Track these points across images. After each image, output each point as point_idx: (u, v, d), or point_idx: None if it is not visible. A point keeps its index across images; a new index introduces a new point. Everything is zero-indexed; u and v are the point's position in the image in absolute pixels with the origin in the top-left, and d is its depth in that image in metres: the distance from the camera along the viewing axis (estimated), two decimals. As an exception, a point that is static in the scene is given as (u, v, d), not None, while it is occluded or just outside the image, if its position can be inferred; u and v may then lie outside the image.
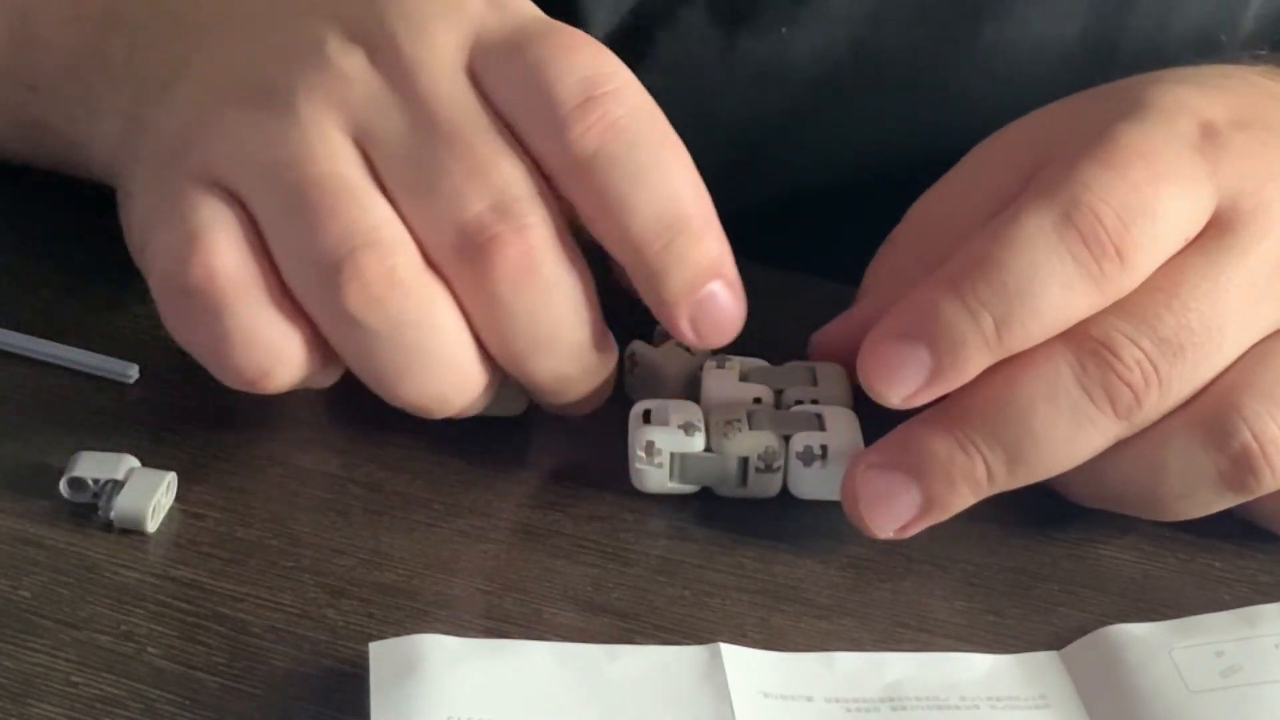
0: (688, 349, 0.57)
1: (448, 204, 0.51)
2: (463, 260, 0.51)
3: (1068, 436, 0.51)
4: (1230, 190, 0.52)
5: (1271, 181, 0.52)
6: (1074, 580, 0.53)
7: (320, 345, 0.52)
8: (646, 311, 0.54)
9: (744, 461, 0.54)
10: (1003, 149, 0.57)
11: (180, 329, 0.53)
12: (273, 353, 0.52)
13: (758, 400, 0.56)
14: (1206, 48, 0.65)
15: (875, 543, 0.53)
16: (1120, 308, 0.51)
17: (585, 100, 0.51)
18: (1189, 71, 0.56)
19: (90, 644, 0.49)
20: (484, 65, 0.53)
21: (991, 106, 0.61)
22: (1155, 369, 0.50)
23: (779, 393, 0.56)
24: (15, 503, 0.53)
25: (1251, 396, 0.51)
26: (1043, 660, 0.50)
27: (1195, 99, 0.54)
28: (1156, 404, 0.51)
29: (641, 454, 0.54)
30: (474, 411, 0.54)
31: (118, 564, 0.52)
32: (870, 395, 0.52)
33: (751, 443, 0.54)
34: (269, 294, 0.51)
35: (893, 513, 0.52)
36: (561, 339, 0.52)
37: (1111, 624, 0.51)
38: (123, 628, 0.50)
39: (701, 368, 0.57)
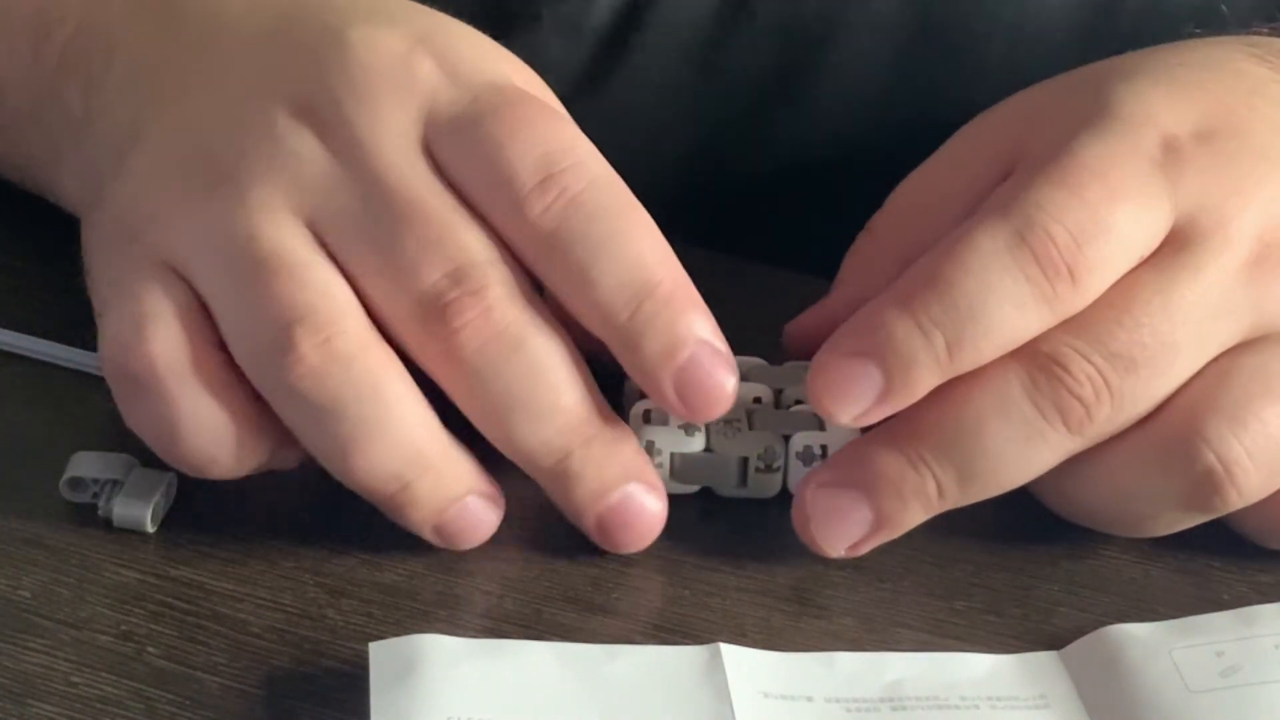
0: None
1: (404, 275, 0.50)
2: (424, 329, 0.50)
3: (1018, 452, 0.50)
4: (1189, 207, 0.52)
5: (1233, 197, 0.52)
6: (1074, 580, 0.53)
7: (271, 428, 0.51)
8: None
9: (744, 461, 0.54)
10: (981, 138, 0.57)
11: (128, 415, 0.52)
12: (216, 439, 0.51)
13: (758, 400, 0.56)
14: (1207, 16, 0.64)
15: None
16: (1072, 324, 0.50)
17: (544, 178, 0.51)
18: (1172, 59, 0.56)
19: (90, 644, 0.49)
20: (438, 140, 0.52)
21: (996, 71, 0.60)
22: (1106, 383, 0.50)
23: (779, 392, 0.56)
24: (15, 503, 0.53)
25: (1214, 418, 0.50)
26: (1043, 660, 0.50)
27: (1163, 108, 0.53)
28: (1109, 418, 0.50)
29: None
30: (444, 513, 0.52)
31: (118, 564, 0.52)
32: (819, 413, 0.52)
33: (751, 442, 0.54)
34: (213, 380, 0.51)
35: (843, 531, 0.52)
36: (540, 401, 0.51)
37: (1111, 624, 0.51)
38: (123, 628, 0.50)
39: None
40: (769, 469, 0.54)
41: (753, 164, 0.71)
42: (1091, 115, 0.53)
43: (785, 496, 0.55)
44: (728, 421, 0.55)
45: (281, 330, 0.50)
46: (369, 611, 0.51)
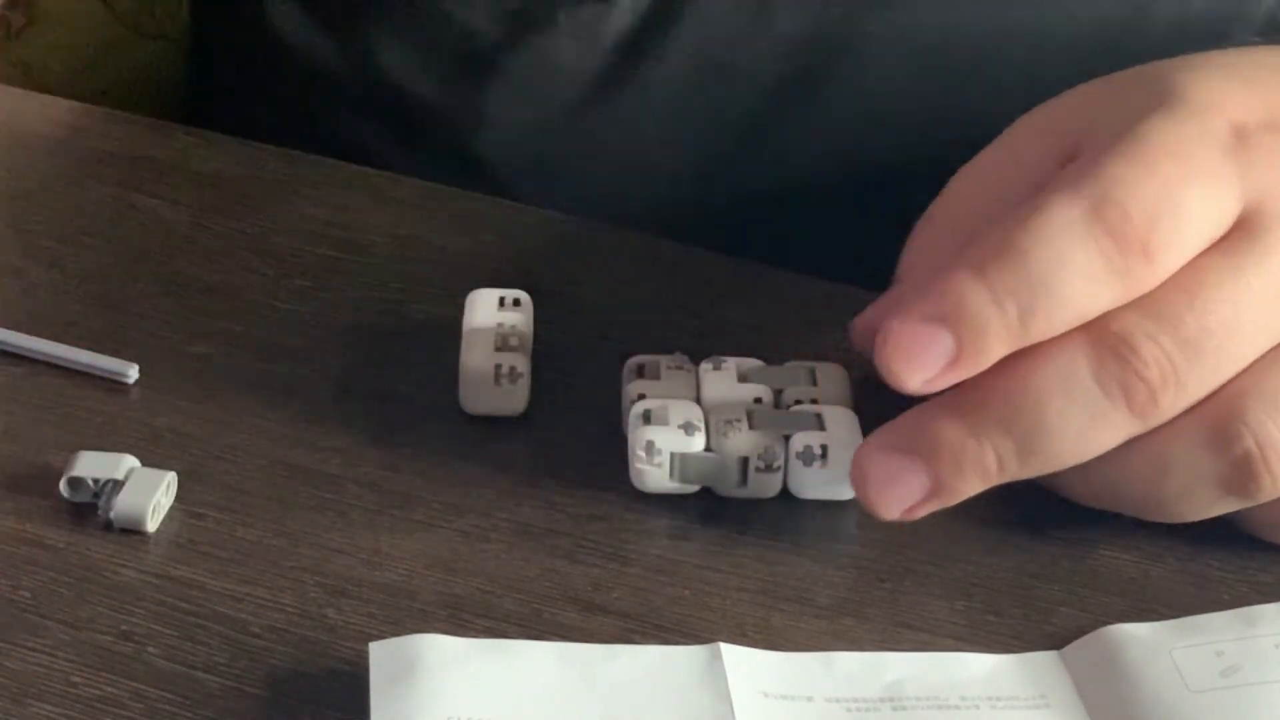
0: (680, 367, 0.57)
1: None
2: None
3: (1080, 430, 0.50)
4: (1257, 194, 0.51)
5: None
6: (1074, 580, 0.53)
7: None
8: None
9: (744, 461, 0.54)
10: (1041, 126, 0.56)
11: None
12: None
13: (758, 400, 0.56)
14: (1224, 26, 0.64)
15: (875, 543, 0.54)
16: (1142, 305, 0.50)
17: None
18: (1227, 58, 0.56)
19: (90, 644, 0.49)
20: None
21: (1017, 83, 0.60)
22: (1174, 368, 0.50)
23: (778, 392, 0.56)
24: (15, 503, 0.53)
25: (1257, 402, 0.51)
26: (1043, 660, 0.50)
27: (1229, 95, 0.53)
28: (1172, 403, 0.50)
29: (641, 454, 0.54)
30: None
31: (118, 564, 0.52)
32: (887, 378, 0.51)
33: (751, 442, 0.54)
34: None
35: (899, 495, 0.52)
36: None
37: (1111, 624, 0.51)
38: (123, 627, 0.50)
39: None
40: (769, 469, 0.54)
41: (766, 171, 0.71)
42: (1159, 101, 0.53)
43: (785, 496, 0.55)
44: (728, 421, 0.55)
45: None
46: (369, 611, 0.51)
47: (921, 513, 0.52)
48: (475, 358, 0.57)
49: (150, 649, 0.49)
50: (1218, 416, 0.51)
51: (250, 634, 0.50)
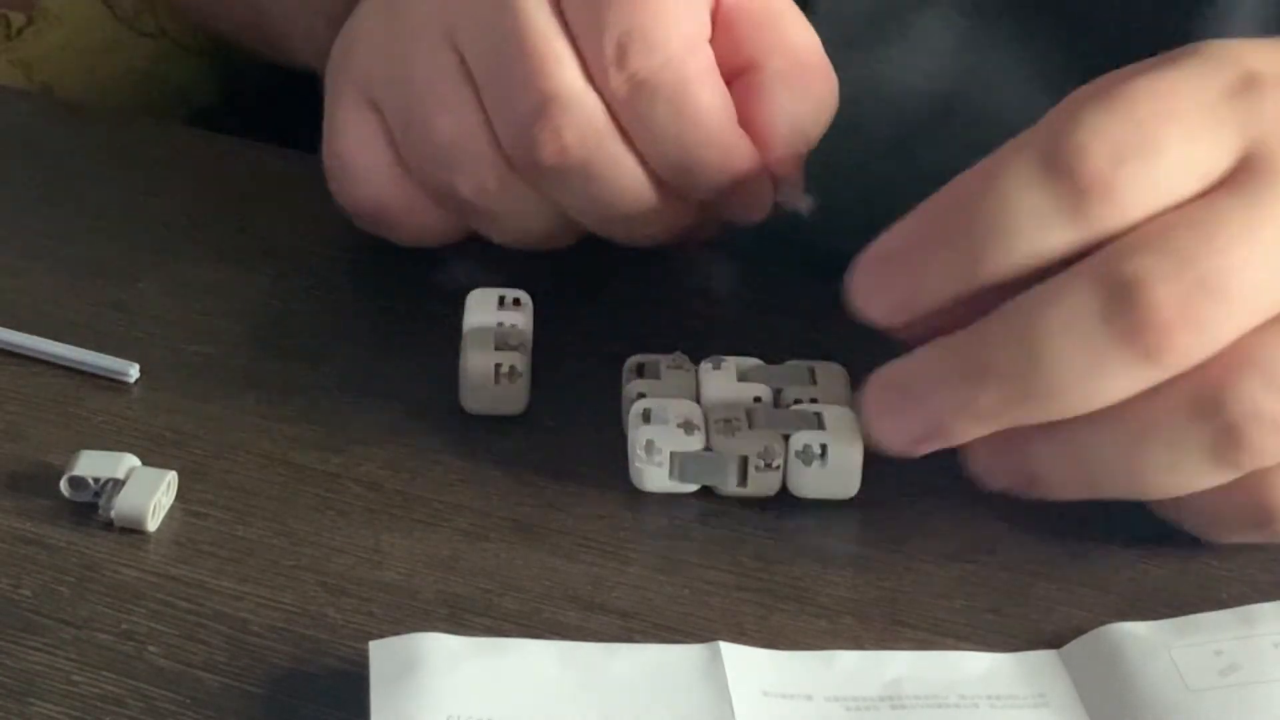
0: (680, 366, 0.57)
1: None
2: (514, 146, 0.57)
3: (1084, 376, 0.49)
4: (1263, 139, 0.49)
5: None
6: (1074, 580, 0.53)
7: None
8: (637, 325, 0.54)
9: (744, 460, 0.54)
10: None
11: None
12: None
13: (757, 399, 0.56)
14: None
15: (875, 542, 0.54)
16: (1154, 243, 0.49)
17: (623, 52, 0.56)
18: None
19: (90, 643, 0.49)
20: None
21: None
22: (1193, 309, 0.48)
23: (778, 392, 0.56)
24: (15, 502, 0.53)
25: (1248, 373, 0.49)
26: (1042, 659, 0.50)
27: (1252, 50, 0.51)
28: (1188, 349, 0.48)
29: (641, 453, 0.54)
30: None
31: (118, 563, 0.52)
32: (857, 316, 0.52)
33: (751, 441, 0.54)
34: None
35: (900, 431, 0.51)
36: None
37: (1111, 623, 0.51)
38: (123, 626, 0.50)
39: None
40: (769, 468, 0.54)
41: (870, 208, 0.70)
42: (1171, 56, 0.51)
43: (785, 496, 0.55)
44: (727, 421, 0.55)
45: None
46: (369, 611, 0.51)
47: (925, 449, 0.51)
48: (475, 357, 0.57)
49: (151, 648, 0.49)
50: (1207, 383, 0.49)
51: (250, 633, 0.50)
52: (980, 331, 0.50)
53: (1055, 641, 0.51)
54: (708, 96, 0.57)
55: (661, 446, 0.54)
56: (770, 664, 0.49)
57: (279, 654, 0.49)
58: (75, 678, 0.48)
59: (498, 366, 0.57)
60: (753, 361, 0.57)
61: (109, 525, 0.53)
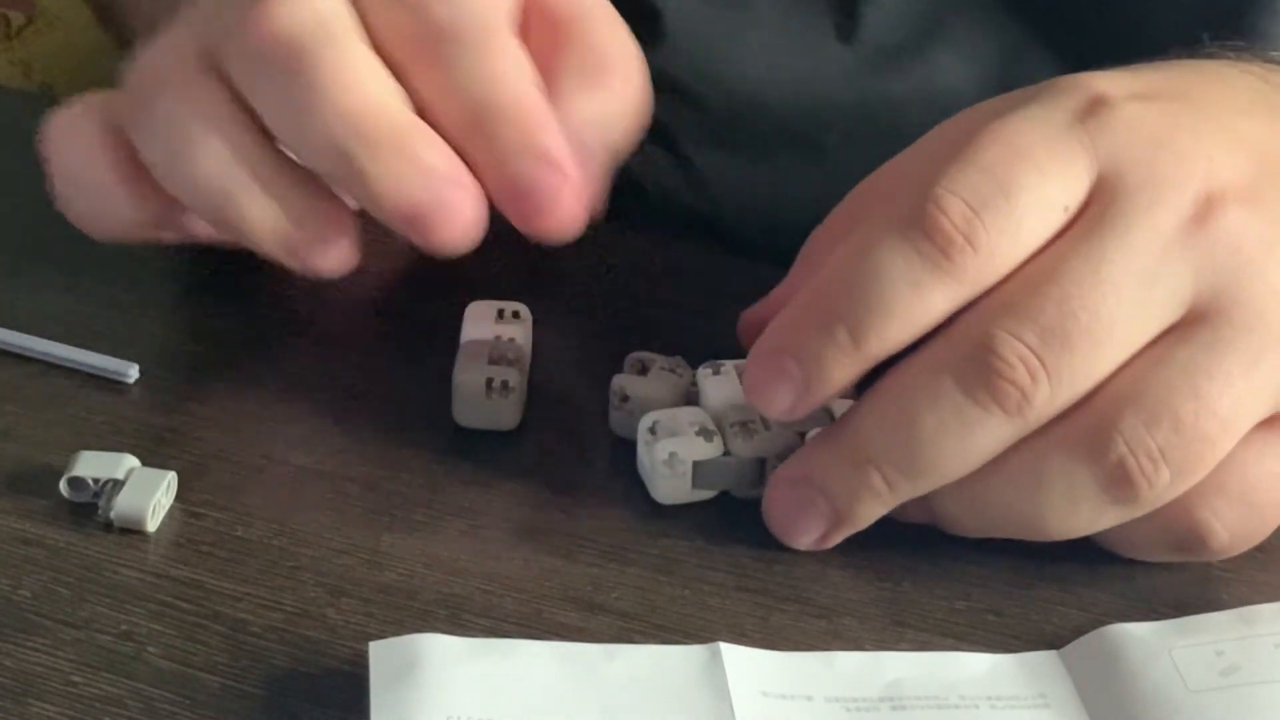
0: (673, 370, 0.57)
1: None
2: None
3: (957, 442, 0.49)
4: (1113, 160, 0.49)
5: (1164, 151, 0.49)
6: (1074, 580, 0.53)
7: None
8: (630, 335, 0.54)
9: (760, 462, 0.54)
10: (945, 130, 0.54)
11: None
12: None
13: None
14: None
15: (875, 543, 0.53)
16: (998, 302, 0.49)
17: None
18: (1163, 62, 0.54)
19: (90, 643, 0.49)
20: None
21: None
22: (1042, 362, 0.48)
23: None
24: (15, 503, 0.53)
25: (1131, 410, 0.49)
26: (1042, 659, 0.50)
27: (1104, 78, 0.51)
28: (1049, 399, 0.49)
29: (664, 468, 0.54)
30: None
31: (118, 563, 0.52)
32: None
33: (769, 443, 0.54)
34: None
35: (806, 526, 0.52)
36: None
37: (1111, 623, 0.51)
38: (123, 627, 0.50)
39: (694, 382, 0.57)
40: (789, 467, 0.54)
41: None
42: (1023, 98, 0.51)
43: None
44: (744, 424, 0.54)
45: None
46: (369, 611, 0.51)
47: (834, 540, 0.53)
48: (467, 371, 0.57)
49: (150, 648, 0.49)
50: (1094, 423, 0.49)
51: (250, 634, 0.50)
52: (856, 417, 0.51)
53: (1056, 642, 0.51)
54: (512, 49, 0.54)
55: (685, 457, 0.54)
56: (770, 664, 0.49)
57: (279, 655, 0.49)
58: (74, 678, 0.48)
59: (489, 381, 0.56)
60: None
61: (109, 526, 0.53)
